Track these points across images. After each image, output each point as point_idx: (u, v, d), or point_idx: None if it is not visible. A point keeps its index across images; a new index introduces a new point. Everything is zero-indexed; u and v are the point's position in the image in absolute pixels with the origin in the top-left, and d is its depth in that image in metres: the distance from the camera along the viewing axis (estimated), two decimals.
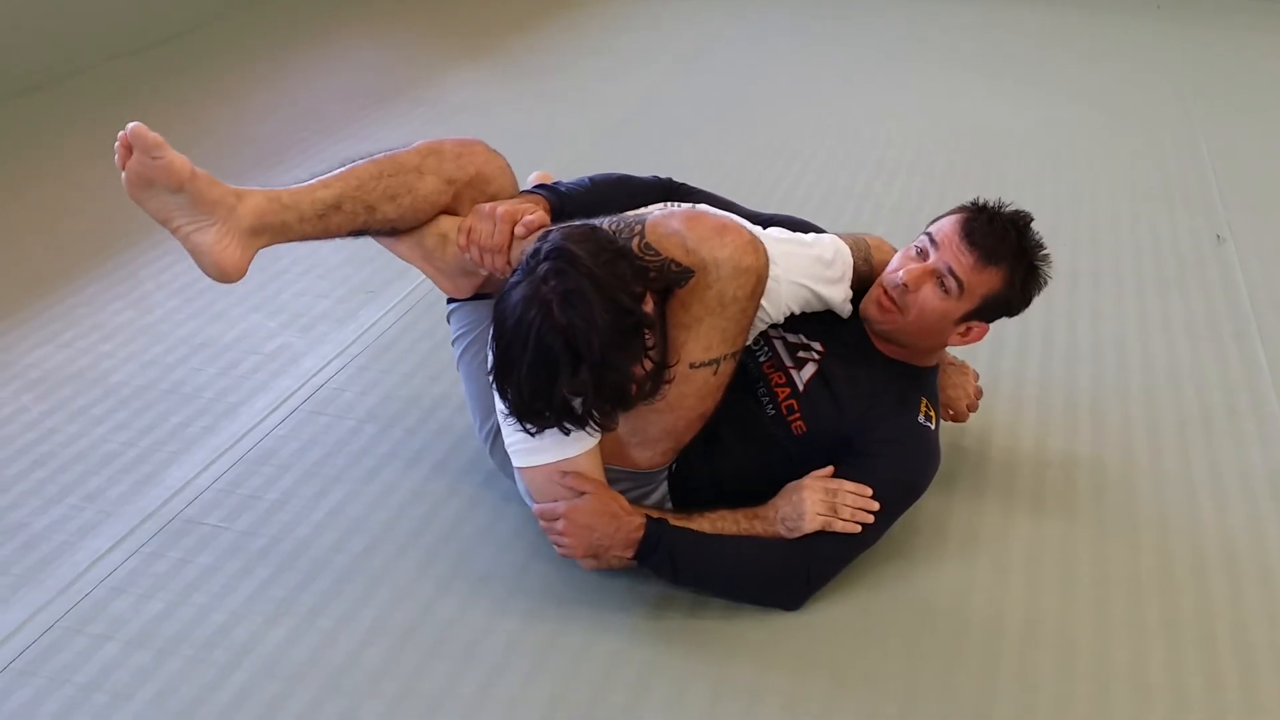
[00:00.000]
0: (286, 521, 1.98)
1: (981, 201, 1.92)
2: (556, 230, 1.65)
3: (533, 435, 1.70)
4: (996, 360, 2.51)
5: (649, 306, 1.65)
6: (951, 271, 1.84)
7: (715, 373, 1.75)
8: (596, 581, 1.87)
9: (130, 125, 1.70)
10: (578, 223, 1.69)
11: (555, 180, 2.08)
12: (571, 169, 2.74)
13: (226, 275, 1.78)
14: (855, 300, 1.95)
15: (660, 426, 1.78)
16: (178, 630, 1.76)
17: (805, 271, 1.86)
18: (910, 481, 1.89)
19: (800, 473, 1.84)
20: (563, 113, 4.06)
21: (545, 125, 3.94)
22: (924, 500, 2.04)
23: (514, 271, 1.66)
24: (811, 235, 1.94)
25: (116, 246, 2.98)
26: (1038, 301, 2.67)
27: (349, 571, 1.88)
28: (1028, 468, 2.18)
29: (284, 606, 1.80)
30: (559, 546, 1.80)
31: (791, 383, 1.90)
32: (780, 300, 1.84)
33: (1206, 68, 4.79)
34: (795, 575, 1.81)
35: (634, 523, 1.76)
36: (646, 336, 1.63)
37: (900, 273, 1.86)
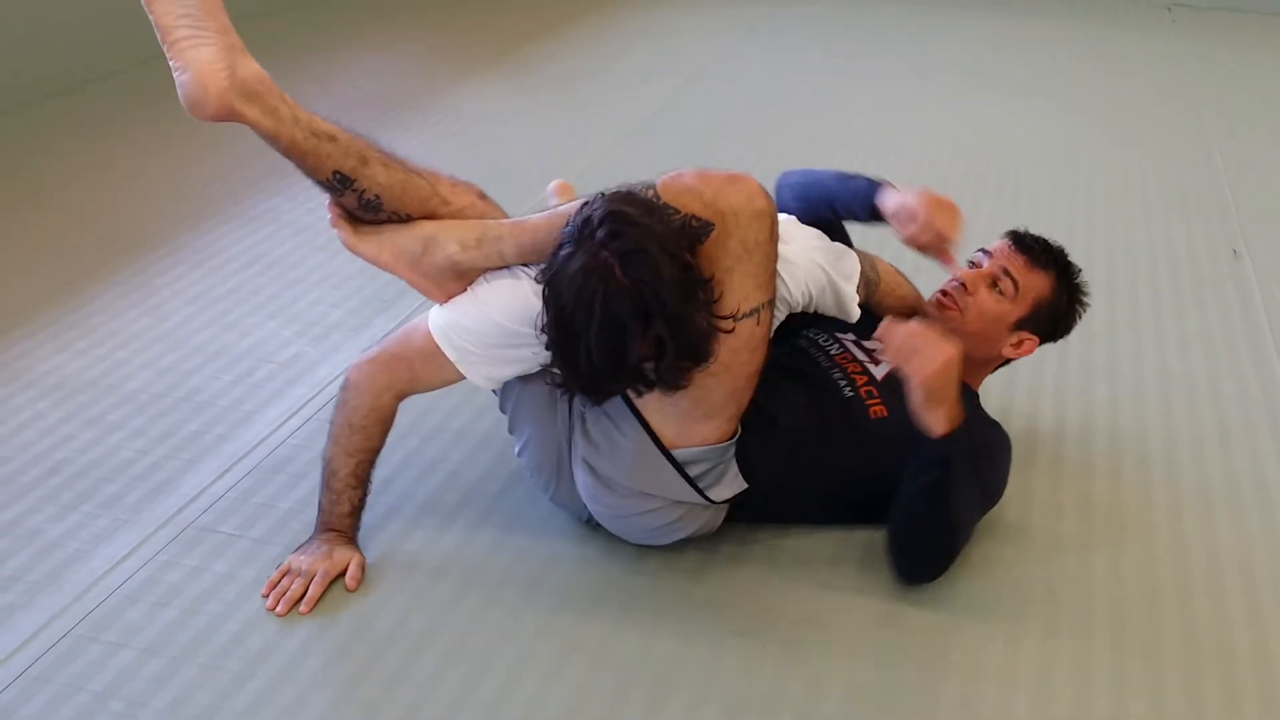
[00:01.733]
0: (301, 529, 1.98)
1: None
2: (600, 196, 1.64)
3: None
4: (1013, 374, 2.51)
5: (696, 266, 1.65)
6: (1006, 272, 2.02)
7: (758, 322, 1.73)
8: (610, 587, 1.87)
9: None
10: (612, 189, 1.67)
11: (578, 194, 2.08)
12: (587, 177, 2.75)
13: (206, 100, 1.71)
14: (867, 321, 1.98)
15: (721, 392, 1.75)
16: (192, 638, 1.76)
17: (824, 256, 1.88)
18: (1005, 477, 1.97)
19: (880, 465, 1.86)
20: (579, 121, 4.07)
21: (562, 134, 3.95)
22: None
23: (560, 243, 1.63)
24: (813, 230, 1.97)
25: (132, 254, 2.99)
26: None
27: (362, 581, 1.88)
28: (1043, 480, 2.17)
29: (297, 615, 1.80)
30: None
31: (868, 372, 1.96)
32: (799, 278, 1.84)
33: (1223, 81, 4.78)
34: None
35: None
36: (707, 291, 1.63)
37: (959, 275, 2.03)
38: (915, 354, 1.76)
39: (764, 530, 1.99)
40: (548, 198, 2.59)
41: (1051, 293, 2.05)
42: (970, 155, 3.85)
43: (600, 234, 1.57)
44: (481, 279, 1.83)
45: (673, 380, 1.65)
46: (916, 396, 1.75)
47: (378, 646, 1.75)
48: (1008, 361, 2.11)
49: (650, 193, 1.66)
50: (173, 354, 2.54)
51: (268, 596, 1.83)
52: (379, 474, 2.13)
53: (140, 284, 2.85)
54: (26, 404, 2.34)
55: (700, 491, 1.82)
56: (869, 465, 1.89)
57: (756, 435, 1.87)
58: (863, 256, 1.98)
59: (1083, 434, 2.32)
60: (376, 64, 4.90)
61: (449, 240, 1.81)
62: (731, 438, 1.82)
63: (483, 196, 1.92)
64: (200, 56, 1.71)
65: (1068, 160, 3.83)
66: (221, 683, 1.68)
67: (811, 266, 1.86)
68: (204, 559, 1.92)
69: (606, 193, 1.65)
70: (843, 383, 1.96)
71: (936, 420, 1.76)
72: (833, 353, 2.02)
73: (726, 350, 1.70)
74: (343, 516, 1.91)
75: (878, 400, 1.93)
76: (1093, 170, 3.75)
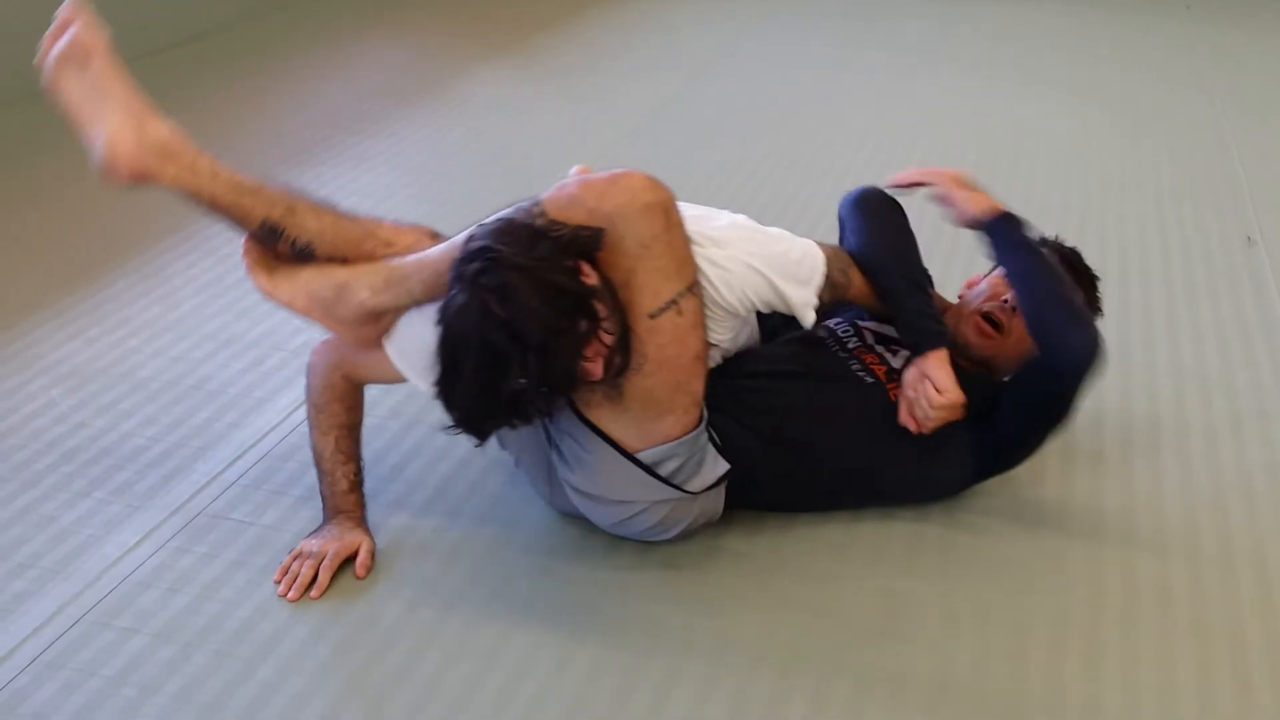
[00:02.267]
0: (311, 517, 1.98)
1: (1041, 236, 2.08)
2: (478, 231, 1.67)
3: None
4: None
5: (592, 278, 1.66)
6: None
7: (679, 313, 1.72)
8: (615, 579, 1.87)
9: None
10: (491, 219, 1.70)
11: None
12: (595, 169, 2.74)
13: (117, 164, 1.72)
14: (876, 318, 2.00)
15: (665, 388, 1.75)
16: (204, 625, 1.77)
17: (764, 260, 1.83)
18: None
19: (908, 440, 1.90)
20: (586, 113, 4.07)
21: (569, 125, 3.95)
22: (949, 500, 2.04)
23: (449, 281, 1.66)
24: (783, 233, 1.91)
25: (143, 243, 3.00)
26: None
27: (372, 569, 1.88)
28: (1054, 470, 2.17)
29: (308, 603, 1.81)
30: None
31: (887, 362, 1.97)
32: (734, 285, 1.81)
33: (1237, 69, 4.75)
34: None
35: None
36: (597, 308, 1.63)
37: (1007, 295, 1.99)
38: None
39: (769, 522, 1.99)
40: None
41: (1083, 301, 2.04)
42: (982, 146, 3.83)
43: (473, 270, 1.60)
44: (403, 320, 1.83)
45: (545, 410, 1.68)
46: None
47: (387, 636, 1.76)
48: None
49: (538, 210, 1.68)
50: (184, 342, 2.55)
51: (279, 582, 1.83)
52: (388, 461, 2.14)
53: (151, 272, 2.85)
54: (39, 391, 2.34)
55: (678, 487, 1.82)
56: (896, 442, 1.91)
57: (759, 439, 1.88)
58: (836, 257, 1.93)
59: (1094, 423, 2.31)
60: (385, 54, 4.90)
61: (360, 286, 1.81)
62: (697, 426, 1.82)
63: (433, 236, 1.91)
64: (105, 126, 1.73)
65: (1081, 150, 3.81)
66: (233, 669, 1.69)
67: (746, 273, 1.82)
68: (215, 546, 1.93)
69: (485, 224, 1.67)
70: (861, 372, 1.97)
71: (966, 212, 1.97)
72: (851, 346, 2.02)
73: (653, 347, 1.71)
74: (344, 495, 1.92)
75: (898, 383, 1.94)
76: (1106, 160, 3.73)
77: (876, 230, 1.98)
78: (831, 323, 2.10)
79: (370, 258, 1.84)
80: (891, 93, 4.39)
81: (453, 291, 1.63)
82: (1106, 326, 2.63)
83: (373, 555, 1.88)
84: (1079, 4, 5.67)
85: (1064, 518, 2.05)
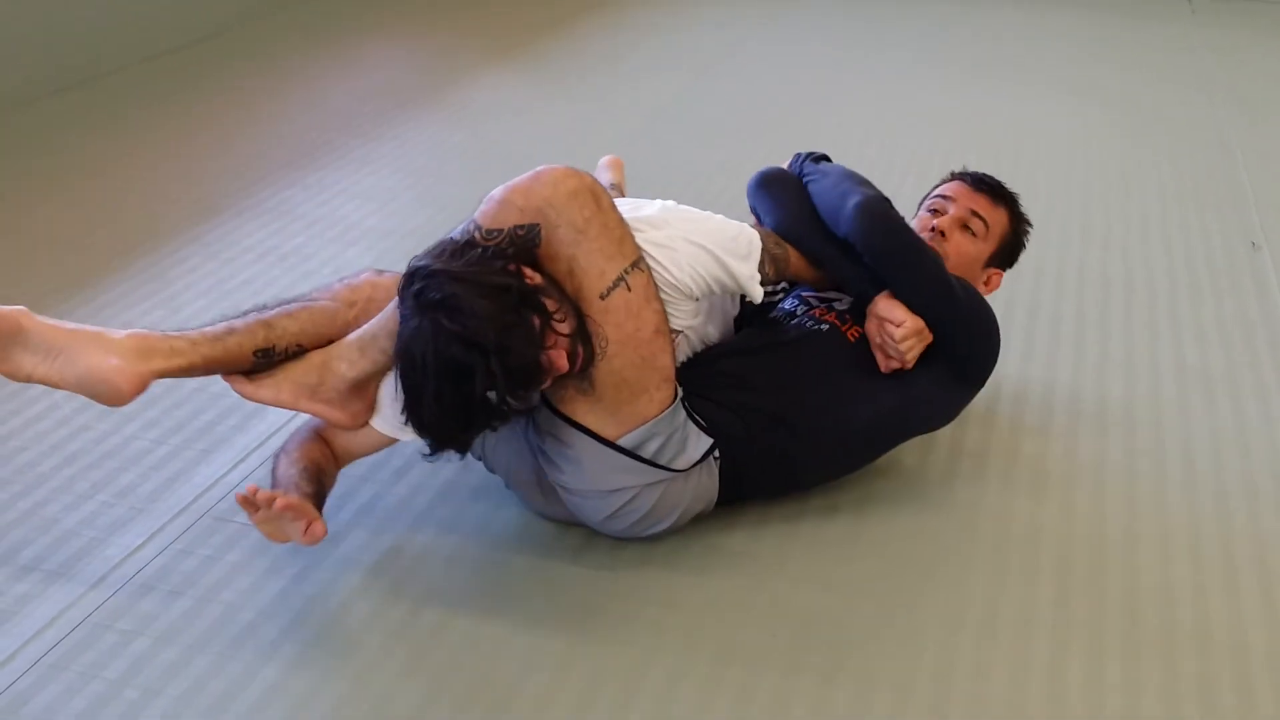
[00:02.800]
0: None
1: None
2: (411, 262, 1.71)
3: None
4: (1026, 365, 2.50)
5: (535, 279, 1.70)
6: (975, 214, 2.14)
7: (629, 289, 1.75)
8: (618, 586, 1.87)
9: None
10: (423, 250, 1.73)
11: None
12: (595, 169, 2.74)
13: (119, 392, 1.72)
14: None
15: (631, 366, 1.77)
16: (207, 627, 1.77)
17: (704, 235, 1.88)
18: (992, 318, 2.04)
19: (879, 378, 1.96)
20: (591, 114, 4.07)
21: (574, 127, 3.95)
22: (953, 501, 2.04)
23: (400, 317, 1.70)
24: (713, 214, 1.96)
25: (145, 247, 3.00)
26: (1069, 305, 2.66)
27: (376, 570, 1.89)
28: (1058, 473, 2.17)
29: (312, 604, 1.81)
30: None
31: (834, 309, 2.05)
32: (681, 263, 1.84)
33: (1241, 72, 4.75)
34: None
35: None
36: (546, 303, 1.67)
37: (934, 222, 2.12)
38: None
39: (772, 524, 2.00)
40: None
41: (1011, 223, 2.19)
42: (983, 148, 3.83)
43: (415, 291, 1.65)
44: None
45: (516, 407, 1.70)
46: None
47: (390, 639, 1.76)
48: None
49: (472, 226, 1.73)
50: None
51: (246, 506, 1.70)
52: (396, 464, 2.14)
53: (154, 276, 2.86)
54: (42, 394, 2.34)
55: (664, 467, 1.83)
56: (869, 383, 1.94)
57: (737, 416, 1.89)
58: (766, 235, 1.98)
59: (1098, 426, 2.31)
60: (388, 56, 4.90)
61: (338, 361, 1.85)
62: (673, 402, 1.83)
63: (379, 271, 1.98)
64: (79, 372, 1.73)
65: (1084, 152, 3.81)
66: (235, 671, 1.69)
67: (691, 250, 1.86)
68: (218, 548, 1.93)
69: (415, 258, 1.71)
70: (812, 324, 2.01)
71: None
72: (799, 311, 2.06)
73: (611, 327, 1.74)
74: (297, 486, 1.81)
75: (850, 323, 2.00)
76: (1109, 162, 3.73)
77: (790, 204, 2.07)
78: (784, 304, 2.14)
79: (351, 326, 1.88)
80: (893, 93, 4.39)
81: (404, 317, 1.68)
82: (1110, 330, 2.65)
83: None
84: (1083, 6, 5.67)
85: (1068, 520, 2.04)
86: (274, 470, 1.89)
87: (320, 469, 1.88)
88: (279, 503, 1.65)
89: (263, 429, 2.25)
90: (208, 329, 1.82)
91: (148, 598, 1.83)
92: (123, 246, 3.00)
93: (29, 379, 1.74)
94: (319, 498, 1.82)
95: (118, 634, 1.75)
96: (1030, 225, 2.26)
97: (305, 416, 1.97)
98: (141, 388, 1.74)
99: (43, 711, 1.62)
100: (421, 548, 1.94)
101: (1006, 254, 2.21)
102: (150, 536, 1.96)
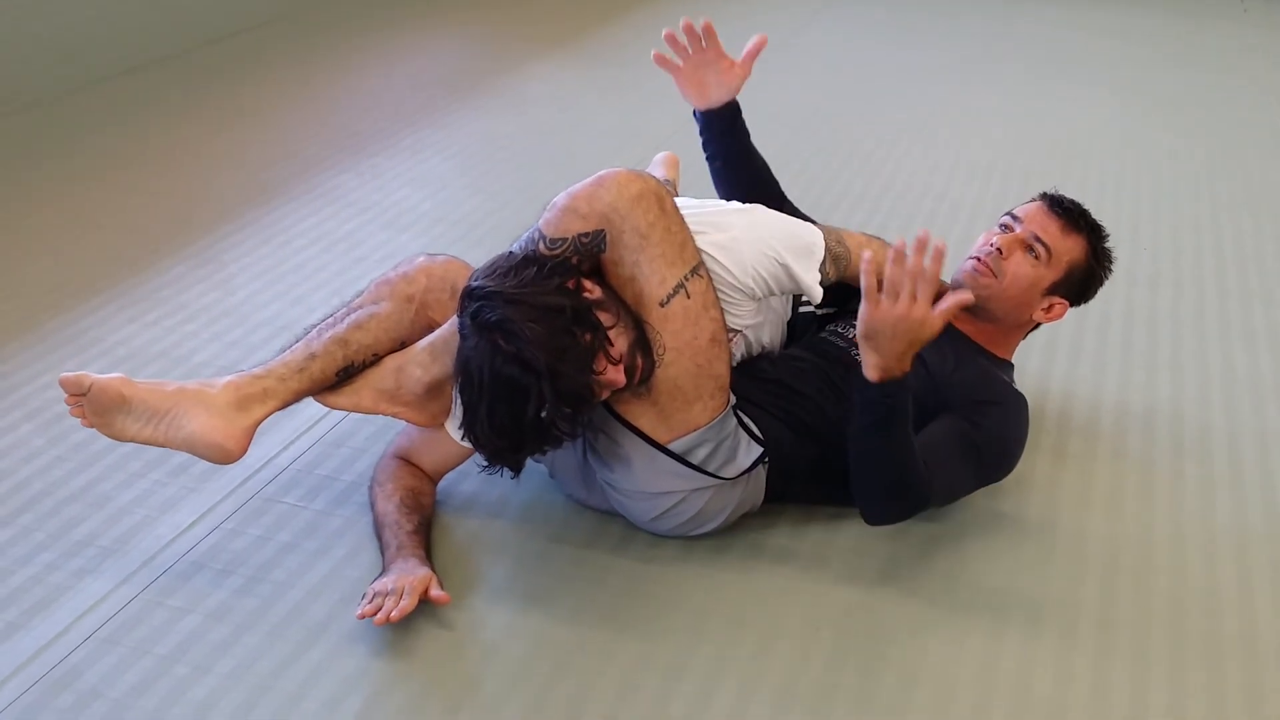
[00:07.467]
0: (361, 502, 2.01)
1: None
2: (469, 280, 1.73)
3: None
4: (1074, 366, 2.49)
5: (594, 293, 1.72)
6: (1038, 239, 2.00)
7: (688, 295, 1.76)
8: (660, 578, 1.88)
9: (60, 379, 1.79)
10: (484, 264, 1.76)
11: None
12: (646, 162, 2.75)
13: (227, 453, 1.78)
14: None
15: (688, 374, 1.78)
16: (255, 606, 1.80)
17: (768, 235, 1.87)
18: (1015, 439, 1.95)
19: (922, 404, 1.86)
20: (642, 105, 4.07)
21: (625, 117, 3.96)
22: (999, 503, 2.03)
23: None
24: (779, 214, 1.97)
25: (200, 229, 3.04)
26: (1117, 307, 2.63)
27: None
28: (1104, 473, 2.16)
29: (360, 587, 1.83)
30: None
31: None
32: (745, 263, 1.84)
33: None
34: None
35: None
36: (601, 317, 1.69)
37: (995, 239, 2.01)
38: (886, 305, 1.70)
39: (816, 522, 2.00)
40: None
41: (1085, 257, 2.04)
42: (1035, 146, 3.80)
43: (473, 311, 1.67)
44: None
45: (570, 432, 1.72)
46: (859, 328, 1.70)
47: (434, 627, 1.77)
48: (1037, 326, 2.09)
49: (537, 236, 1.74)
50: (239, 328, 2.58)
51: (366, 617, 1.72)
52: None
53: (208, 259, 2.90)
54: (99, 373, 2.38)
55: (712, 474, 1.84)
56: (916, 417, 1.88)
57: (785, 425, 1.89)
58: (828, 233, 1.96)
59: (1145, 429, 2.30)
60: (442, 44, 4.93)
61: (412, 365, 1.89)
62: (723, 411, 1.84)
63: (431, 256, 2.01)
64: (185, 434, 1.77)
65: (1135, 153, 3.77)
66: (283, 651, 1.71)
67: (756, 251, 1.85)
68: (268, 529, 1.96)
69: (473, 276, 1.73)
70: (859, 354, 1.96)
71: (868, 363, 1.72)
72: (850, 335, 2.02)
73: (669, 335, 1.75)
74: (409, 534, 1.86)
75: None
76: (1160, 161, 3.69)
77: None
78: (831, 326, 2.10)
79: (416, 322, 1.93)
80: (950, 88, 4.35)
81: (463, 336, 1.71)
82: (1159, 332, 2.63)
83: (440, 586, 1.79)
84: (1136, 5, 5.60)
85: (1115, 522, 2.03)
86: (372, 505, 1.95)
87: (416, 494, 1.94)
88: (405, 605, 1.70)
89: (311, 413, 2.27)
90: (289, 358, 1.87)
91: (198, 576, 1.86)
92: (178, 229, 3.04)
93: (133, 441, 1.80)
94: (424, 526, 1.90)
95: (169, 611, 1.79)
96: (1112, 261, 2.09)
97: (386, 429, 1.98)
98: (246, 443, 1.81)
99: (95, 685, 1.65)
100: (466, 535, 1.96)
101: (1075, 286, 2.05)
102: (201, 515, 1.99)
